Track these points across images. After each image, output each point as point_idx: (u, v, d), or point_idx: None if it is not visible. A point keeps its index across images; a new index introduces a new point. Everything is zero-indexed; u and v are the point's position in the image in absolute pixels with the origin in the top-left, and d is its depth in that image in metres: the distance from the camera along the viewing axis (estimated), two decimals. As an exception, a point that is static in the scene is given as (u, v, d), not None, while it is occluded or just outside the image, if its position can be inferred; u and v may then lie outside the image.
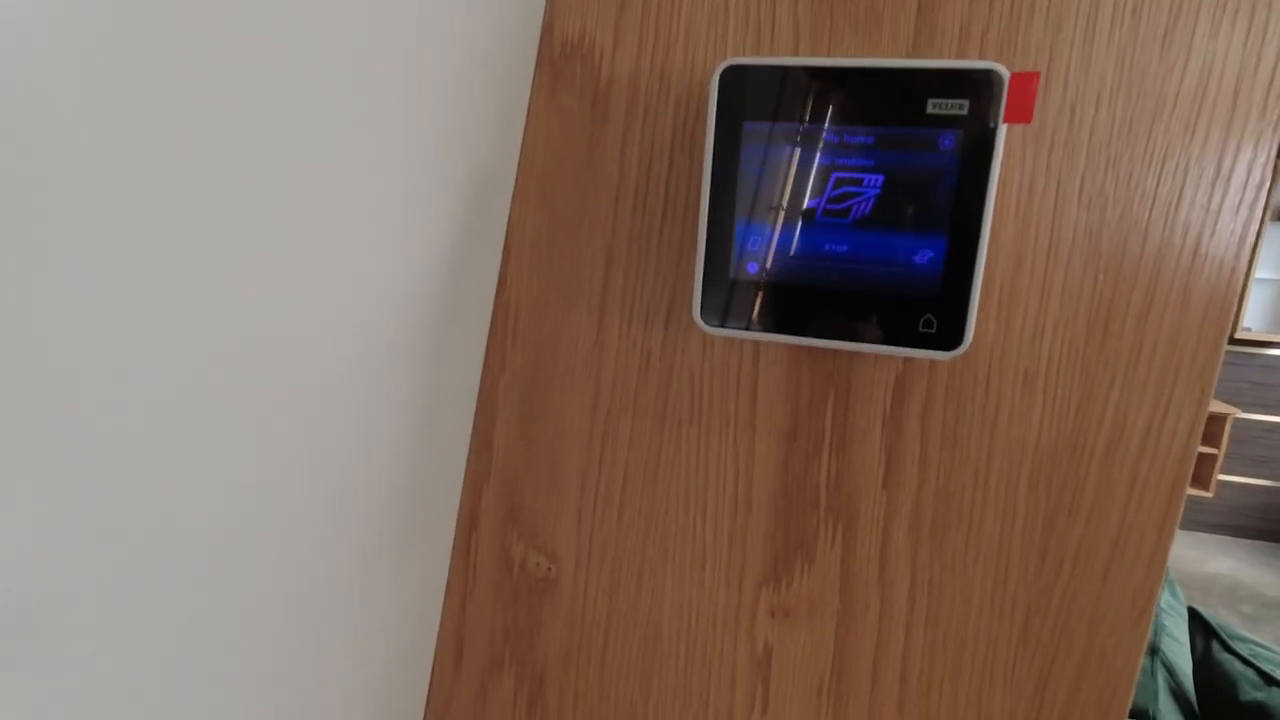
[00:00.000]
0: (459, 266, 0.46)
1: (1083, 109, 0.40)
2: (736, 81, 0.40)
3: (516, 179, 0.49)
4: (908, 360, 0.44)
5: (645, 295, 0.47)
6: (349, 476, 0.41)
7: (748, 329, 0.42)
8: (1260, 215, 0.39)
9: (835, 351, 0.45)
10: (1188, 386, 0.41)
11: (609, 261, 0.48)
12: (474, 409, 0.52)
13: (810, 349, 0.45)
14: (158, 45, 0.25)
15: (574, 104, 0.47)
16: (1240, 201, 0.39)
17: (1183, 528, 4.29)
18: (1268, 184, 0.38)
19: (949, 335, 0.39)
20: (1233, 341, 4.05)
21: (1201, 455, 4.04)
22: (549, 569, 0.52)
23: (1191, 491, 4.04)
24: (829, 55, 0.42)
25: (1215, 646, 1.15)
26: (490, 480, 0.52)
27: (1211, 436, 4.00)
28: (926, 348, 0.40)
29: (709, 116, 0.40)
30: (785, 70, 0.39)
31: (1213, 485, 4.00)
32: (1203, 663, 1.14)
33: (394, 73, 0.37)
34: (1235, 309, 0.40)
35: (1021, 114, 0.37)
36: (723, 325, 0.42)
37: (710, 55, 0.44)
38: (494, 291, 0.50)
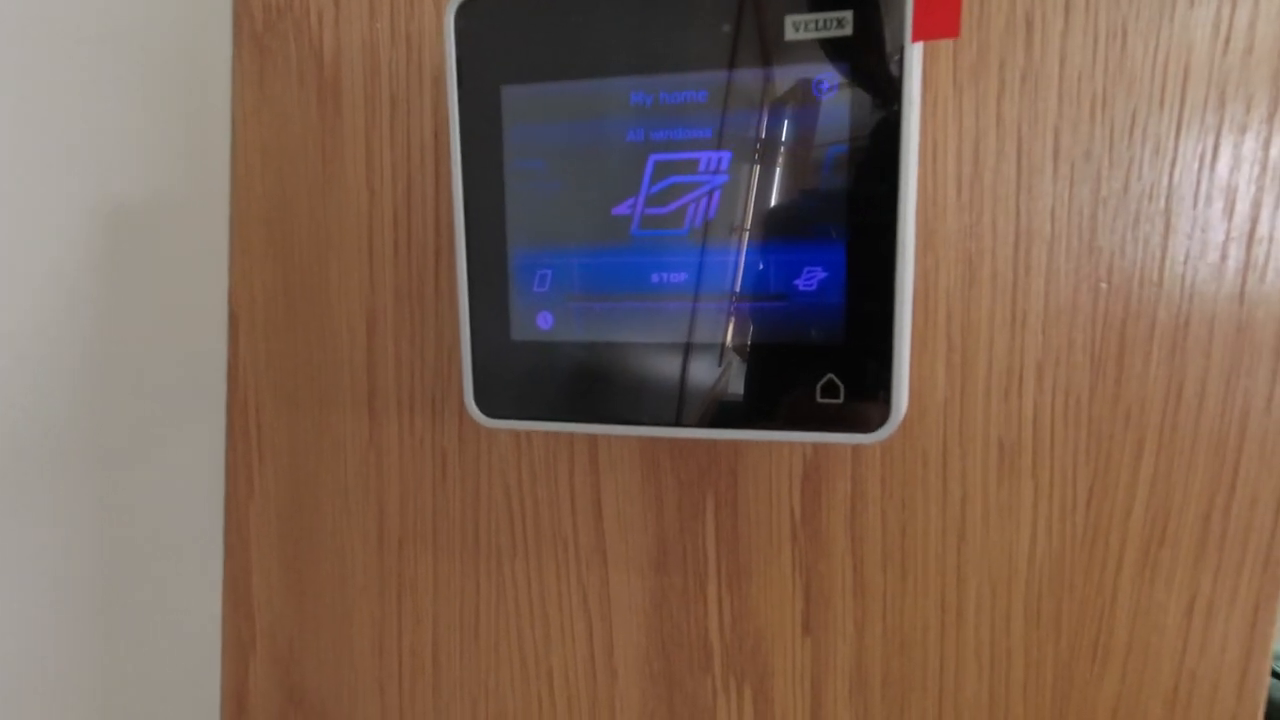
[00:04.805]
0: (141, 354, 0.30)
1: (1045, 20, 0.25)
2: (484, 25, 0.25)
3: (231, 215, 0.33)
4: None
5: (427, 372, 0.32)
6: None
7: (547, 416, 0.26)
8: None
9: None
10: (1264, 446, 0.25)
11: (371, 325, 0.32)
12: (221, 554, 0.36)
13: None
14: None
15: (293, 96, 0.31)
16: (1317, 143, 0.24)
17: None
18: (1366, 108, 0.23)
19: (866, 406, 0.23)
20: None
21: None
22: (349, 774, 0.36)
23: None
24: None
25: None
26: (256, 651, 0.36)
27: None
28: (833, 429, 0.24)
29: (449, 82, 0.25)
30: (554, -3, 0.24)
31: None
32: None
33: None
34: (1322, 316, 0.25)
35: (941, 25, 0.21)
36: (509, 414, 0.26)
37: None
38: (224, 387, 0.34)
